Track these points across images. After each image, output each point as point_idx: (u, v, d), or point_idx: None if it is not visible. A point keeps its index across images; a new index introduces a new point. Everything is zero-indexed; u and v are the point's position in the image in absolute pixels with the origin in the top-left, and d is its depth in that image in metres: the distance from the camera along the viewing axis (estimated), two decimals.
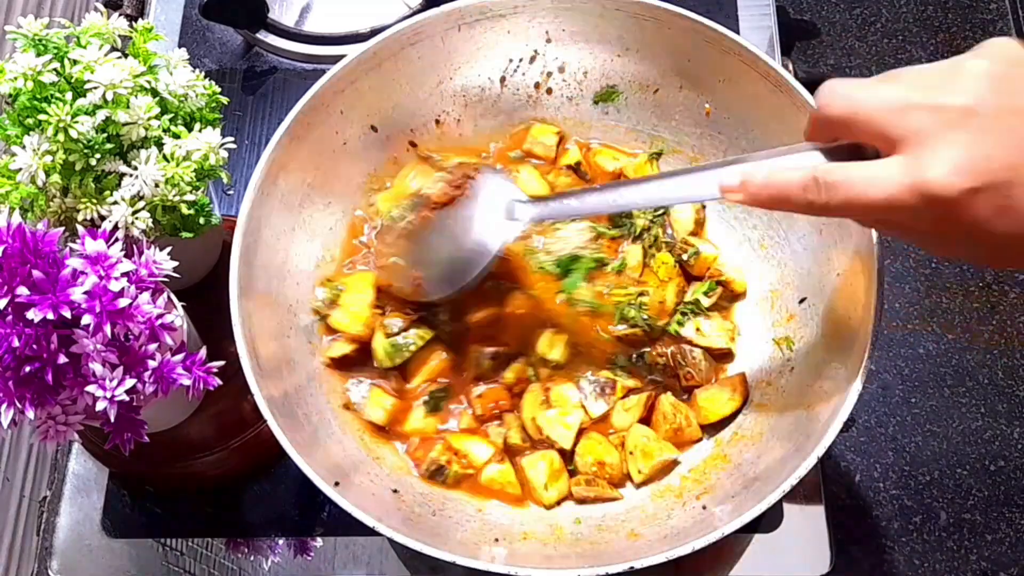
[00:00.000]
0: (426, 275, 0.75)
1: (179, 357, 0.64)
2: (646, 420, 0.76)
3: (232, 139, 0.72)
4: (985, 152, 0.47)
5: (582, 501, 0.74)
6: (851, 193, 0.50)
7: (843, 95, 0.52)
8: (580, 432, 0.75)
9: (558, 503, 0.74)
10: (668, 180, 0.63)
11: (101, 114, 0.67)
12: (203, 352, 0.66)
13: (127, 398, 0.61)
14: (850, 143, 0.54)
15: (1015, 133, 0.47)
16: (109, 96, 0.67)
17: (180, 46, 1.00)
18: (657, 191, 0.64)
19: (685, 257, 0.80)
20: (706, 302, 0.79)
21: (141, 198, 0.68)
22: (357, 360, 0.77)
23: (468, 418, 0.76)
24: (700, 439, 0.76)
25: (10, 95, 0.67)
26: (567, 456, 0.75)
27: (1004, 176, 0.47)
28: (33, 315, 0.57)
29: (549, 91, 0.85)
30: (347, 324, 0.76)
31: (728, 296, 0.80)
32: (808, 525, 0.79)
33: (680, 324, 0.78)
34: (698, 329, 0.78)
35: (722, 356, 0.79)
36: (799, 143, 0.56)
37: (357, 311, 0.76)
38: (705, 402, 0.76)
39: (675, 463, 0.74)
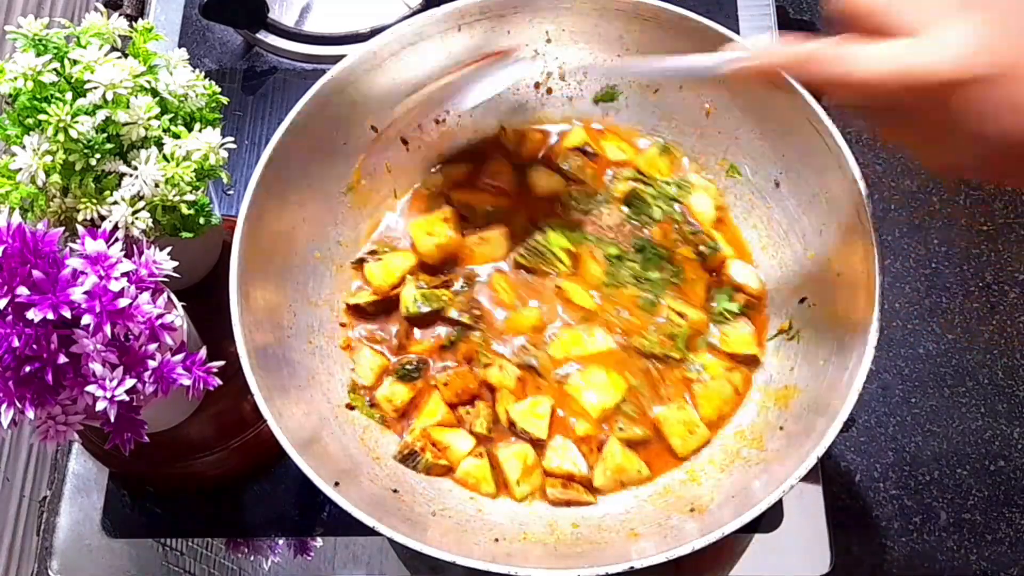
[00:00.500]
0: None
1: (179, 357, 0.64)
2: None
3: (232, 139, 0.72)
4: (999, 36, 0.46)
5: (555, 503, 0.74)
6: (852, 67, 0.50)
7: None
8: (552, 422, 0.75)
9: (530, 496, 0.74)
10: (672, 58, 0.66)
11: (101, 114, 0.67)
12: (203, 352, 0.66)
13: (127, 398, 0.61)
14: None
15: None
16: (109, 96, 0.67)
17: (180, 46, 1.00)
18: (661, 63, 0.68)
19: (703, 249, 0.80)
20: (733, 307, 0.78)
21: (141, 198, 0.68)
22: (370, 315, 0.80)
23: (439, 402, 0.77)
24: (709, 440, 0.75)
25: (10, 95, 0.67)
26: (541, 447, 0.75)
27: (1015, 64, 0.46)
28: (33, 315, 0.57)
29: (549, 91, 0.85)
30: (378, 277, 0.80)
31: (752, 304, 0.79)
32: (808, 525, 0.79)
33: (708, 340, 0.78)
34: (726, 335, 0.77)
35: (748, 361, 0.77)
36: None
37: (393, 270, 0.80)
38: (704, 399, 0.75)
39: (648, 479, 0.74)
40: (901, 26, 0.49)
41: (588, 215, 0.82)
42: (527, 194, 0.84)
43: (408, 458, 0.74)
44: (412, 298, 0.78)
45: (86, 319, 0.58)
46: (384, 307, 0.80)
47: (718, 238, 0.81)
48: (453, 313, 0.78)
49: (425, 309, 0.78)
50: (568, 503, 0.74)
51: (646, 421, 0.75)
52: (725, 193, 0.82)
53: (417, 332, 0.80)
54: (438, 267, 0.81)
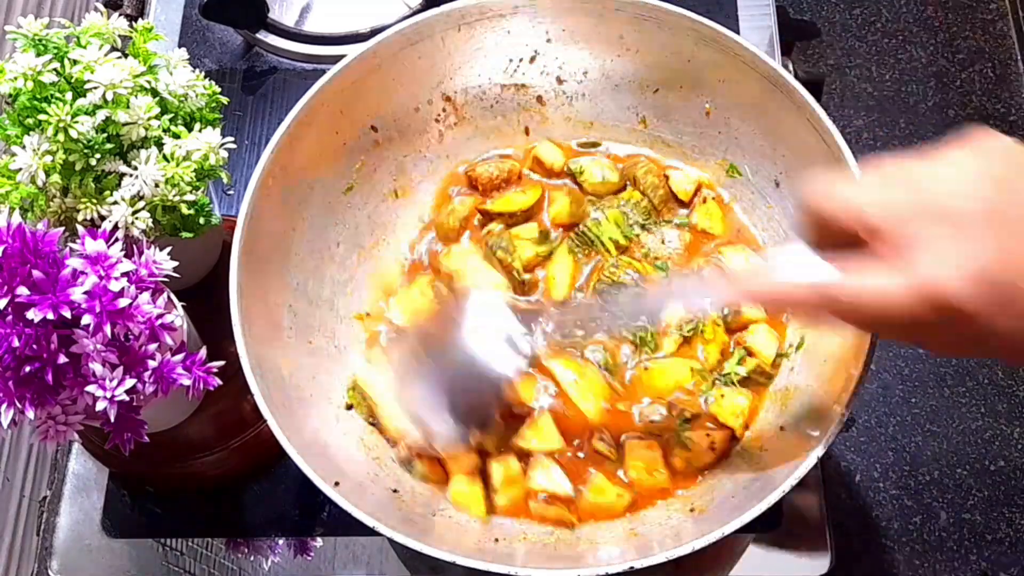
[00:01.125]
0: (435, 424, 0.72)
1: (179, 357, 0.64)
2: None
3: (232, 139, 0.72)
4: (995, 258, 0.46)
5: (538, 519, 0.72)
6: (863, 309, 0.50)
7: (840, 197, 0.51)
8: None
9: (509, 508, 0.72)
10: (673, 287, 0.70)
11: (101, 114, 0.67)
12: (203, 352, 0.66)
13: (127, 398, 0.61)
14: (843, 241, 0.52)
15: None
16: (109, 96, 0.67)
17: (180, 46, 1.00)
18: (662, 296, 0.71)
19: (724, 312, 0.77)
20: (741, 371, 0.75)
21: (141, 198, 0.68)
22: None
23: None
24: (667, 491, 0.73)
25: (10, 95, 0.67)
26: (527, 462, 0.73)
27: (1017, 282, 0.46)
28: (33, 315, 0.57)
29: (550, 91, 0.85)
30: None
31: (761, 373, 0.75)
32: (808, 525, 0.79)
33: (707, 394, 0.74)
34: (721, 396, 0.74)
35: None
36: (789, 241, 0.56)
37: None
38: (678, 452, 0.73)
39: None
40: (905, 244, 0.48)
41: (643, 230, 0.80)
42: (566, 188, 0.83)
43: (405, 462, 0.74)
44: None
45: (86, 319, 0.58)
46: None
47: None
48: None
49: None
50: (552, 521, 0.71)
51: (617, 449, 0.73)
52: (728, 191, 0.82)
53: None
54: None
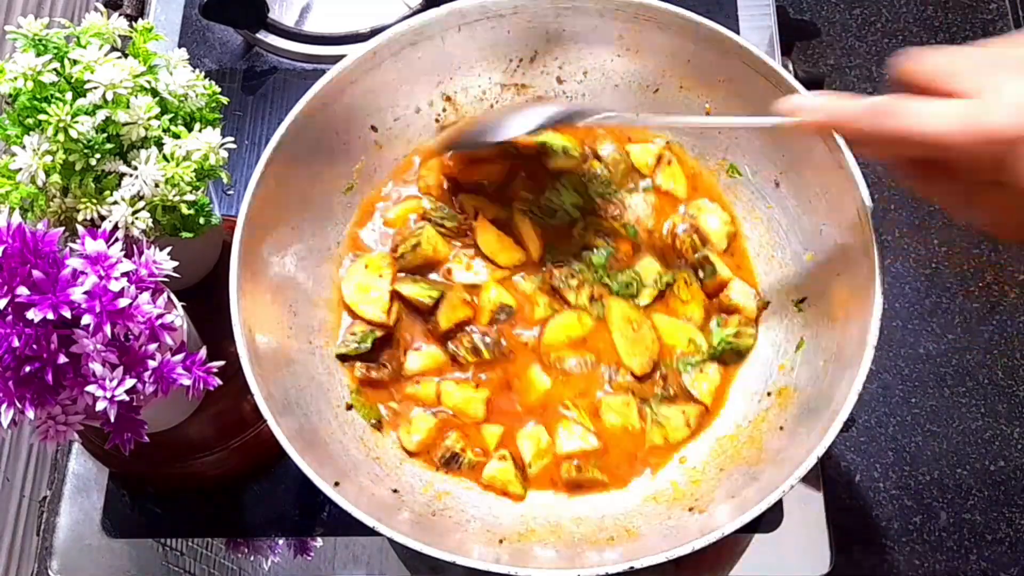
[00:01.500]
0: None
1: (179, 357, 0.64)
2: None
3: (232, 139, 0.72)
4: None
5: (569, 485, 0.74)
6: (908, 123, 0.51)
7: (931, 60, 0.53)
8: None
9: (542, 476, 0.74)
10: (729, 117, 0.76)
11: (101, 114, 0.67)
12: (203, 352, 0.66)
13: (127, 398, 0.61)
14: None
15: None
16: (109, 96, 0.67)
17: (180, 46, 1.00)
18: (717, 120, 0.78)
19: (701, 274, 0.78)
20: (729, 333, 0.76)
21: (141, 198, 0.68)
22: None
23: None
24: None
25: (10, 95, 0.67)
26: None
27: None
28: (33, 315, 0.57)
29: (550, 91, 0.85)
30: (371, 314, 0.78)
31: (748, 323, 0.77)
32: (808, 525, 0.79)
33: (688, 365, 0.77)
34: (700, 372, 0.76)
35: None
36: None
37: (377, 297, 0.78)
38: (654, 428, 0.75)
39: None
40: (962, 89, 0.51)
41: (603, 199, 0.81)
42: (530, 166, 0.83)
43: (451, 461, 0.74)
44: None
45: (86, 319, 0.58)
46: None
47: (717, 262, 0.78)
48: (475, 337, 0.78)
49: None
50: (581, 485, 0.74)
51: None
52: (725, 192, 0.82)
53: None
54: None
